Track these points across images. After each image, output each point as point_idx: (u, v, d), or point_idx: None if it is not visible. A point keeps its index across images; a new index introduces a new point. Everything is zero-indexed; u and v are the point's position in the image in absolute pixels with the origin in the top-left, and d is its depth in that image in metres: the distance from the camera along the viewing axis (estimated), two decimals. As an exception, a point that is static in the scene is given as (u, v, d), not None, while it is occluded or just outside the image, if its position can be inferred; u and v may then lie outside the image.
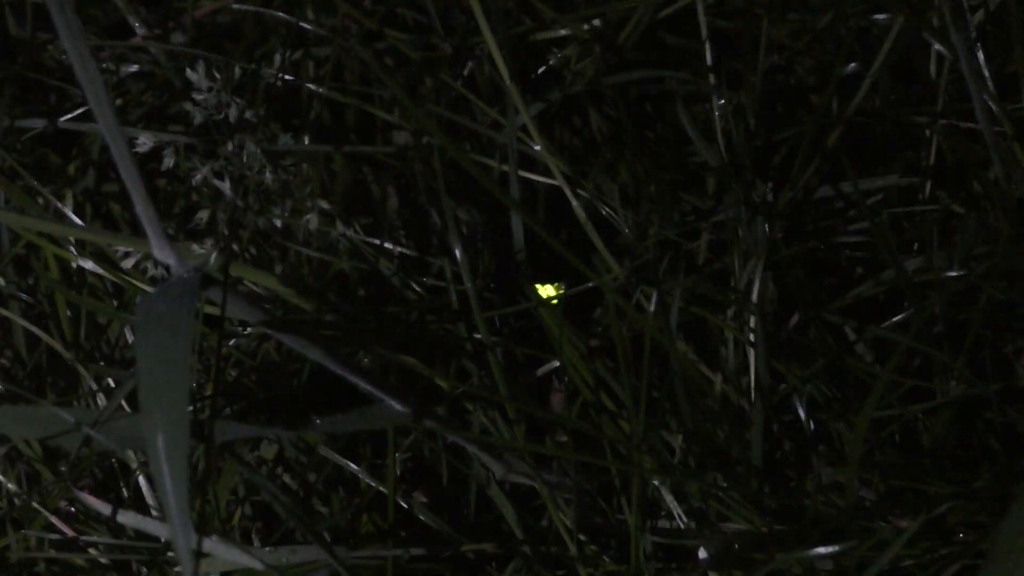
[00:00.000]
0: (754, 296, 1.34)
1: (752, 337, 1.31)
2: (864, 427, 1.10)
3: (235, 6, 1.65)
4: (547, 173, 1.49)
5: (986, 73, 1.33)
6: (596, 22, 1.53)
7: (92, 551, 1.29)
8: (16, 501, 1.35)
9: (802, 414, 1.33)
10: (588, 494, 1.37)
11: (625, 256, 1.50)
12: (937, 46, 1.43)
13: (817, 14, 1.50)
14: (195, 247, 1.16)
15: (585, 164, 1.52)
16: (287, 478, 1.41)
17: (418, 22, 1.64)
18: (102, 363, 1.48)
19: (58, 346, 1.47)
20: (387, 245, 1.51)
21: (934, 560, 1.16)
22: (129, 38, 1.68)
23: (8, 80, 1.63)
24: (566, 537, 1.25)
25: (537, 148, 1.42)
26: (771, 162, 1.52)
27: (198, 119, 1.21)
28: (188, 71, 1.21)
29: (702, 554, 1.25)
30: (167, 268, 0.90)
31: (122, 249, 1.15)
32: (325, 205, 1.28)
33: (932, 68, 1.45)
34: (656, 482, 1.27)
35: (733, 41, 1.51)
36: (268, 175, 1.21)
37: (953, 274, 1.31)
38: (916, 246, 1.45)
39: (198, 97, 1.21)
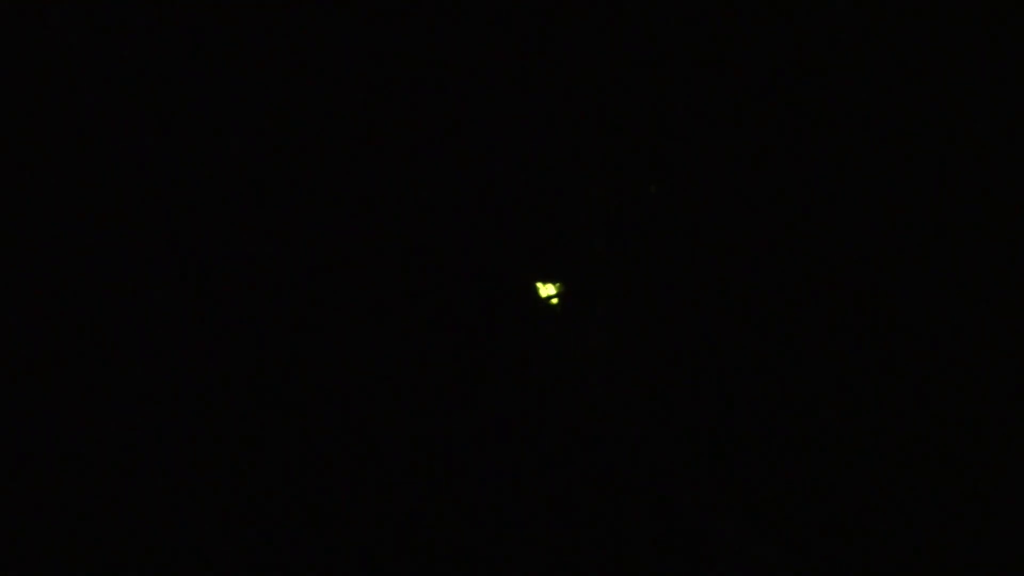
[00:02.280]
0: (754, 295, 1.34)
1: (753, 336, 1.31)
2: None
3: None
4: (548, 172, 1.49)
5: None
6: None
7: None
8: None
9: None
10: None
11: (625, 255, 1.50)
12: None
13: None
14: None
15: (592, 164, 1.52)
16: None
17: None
18: None
19: None
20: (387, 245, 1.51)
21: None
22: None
23: None
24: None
25: (543, 147, 1.42)
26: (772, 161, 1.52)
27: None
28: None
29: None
30: None
31: None
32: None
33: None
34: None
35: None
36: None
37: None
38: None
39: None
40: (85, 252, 3.11)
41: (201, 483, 3.01)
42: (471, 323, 2.91)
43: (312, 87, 3.16)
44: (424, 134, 3.10)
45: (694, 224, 2.87)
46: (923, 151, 3.03)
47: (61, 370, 3.07)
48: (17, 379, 3.05)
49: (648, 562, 2.83)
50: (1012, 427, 2.88)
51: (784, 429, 2.94)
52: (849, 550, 2.83)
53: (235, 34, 3.10)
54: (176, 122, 3.14)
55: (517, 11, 3.07)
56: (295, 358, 3.09)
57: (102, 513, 3.00)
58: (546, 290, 1.89)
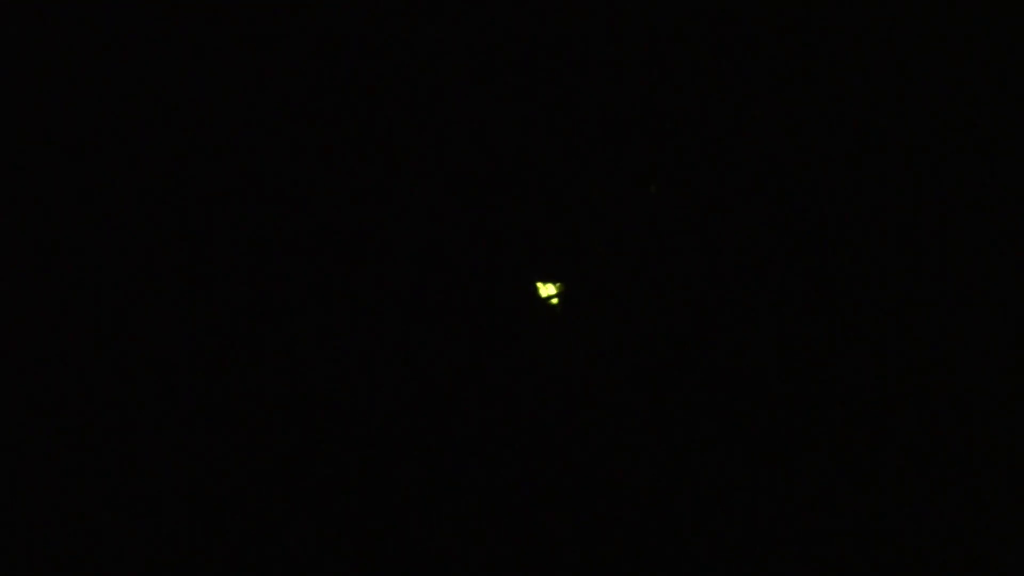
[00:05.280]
0: (755, 294, 1.34)
1: (754, 335, 1.31)
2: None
3: None
4: (548, 172, 1.49)
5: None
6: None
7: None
8: None
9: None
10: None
11: (625, 255, 1.50)
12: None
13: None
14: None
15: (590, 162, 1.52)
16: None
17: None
18: None
19: None
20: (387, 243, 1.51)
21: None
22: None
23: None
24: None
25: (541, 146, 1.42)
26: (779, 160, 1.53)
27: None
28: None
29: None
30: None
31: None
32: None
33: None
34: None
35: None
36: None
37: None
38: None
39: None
40: (85, 252, 3.12)
41: (201, 483, 3.01)
42: (471, 323, 2.92)
43: (312, 87, 3.16)
44: (424, 134, 3.11)
45: (694, 224, 2.88)
46: (923, 151, 3.03)
47: (61, 370, 3.07)
48: (16, 379, 3.06)
49: (648, 561, 2.83)
50: (1012, 427, 2.88)
51: (784, 428, 2.95)
52: (849, 550, 2.84)
53: (235, 34, 3.11)
54: (176, 122, 3.15)
55: (517, 11, 3.08)
56: (296, 358, 3.09)
57: (102, 513, 3.00)
58: (546, 290, 1.89)
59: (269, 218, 3.14)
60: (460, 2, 3.11)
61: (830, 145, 3.06)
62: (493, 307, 2.82)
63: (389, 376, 3.05)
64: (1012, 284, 2.95)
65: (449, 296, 3.00)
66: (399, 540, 2.95)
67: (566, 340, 2.31)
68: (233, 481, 3.03)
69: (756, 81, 3.06)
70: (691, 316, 2.88)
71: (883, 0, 3.00)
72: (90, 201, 3.13)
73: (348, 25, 3.16)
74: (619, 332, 2.65)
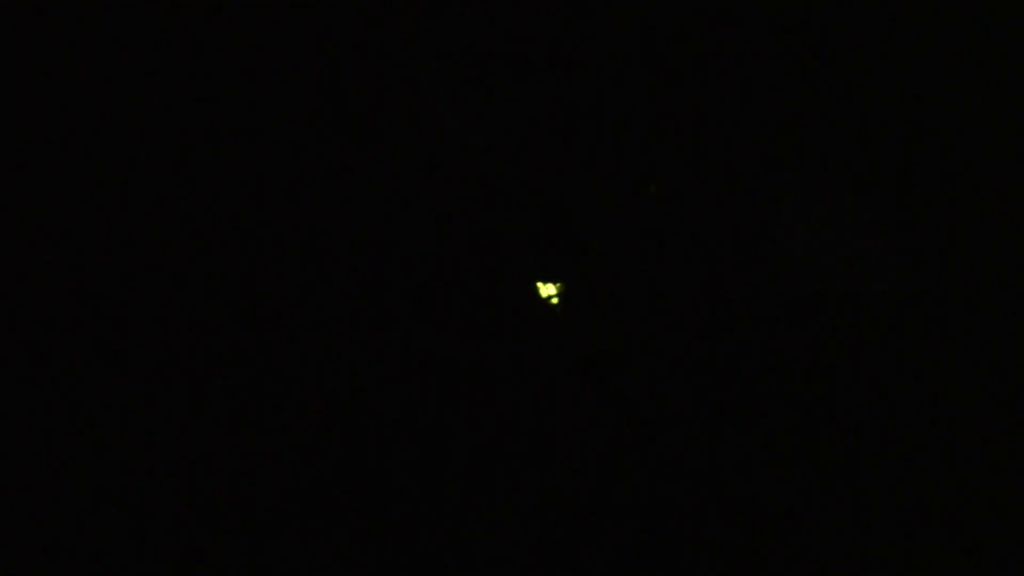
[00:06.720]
0: (755, 294, 1.34)
1: (754, 335, 1.31)
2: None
3: None
4: (548, 172, 1.49)
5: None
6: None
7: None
8: None
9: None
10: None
11: (625, 255, 1.50)
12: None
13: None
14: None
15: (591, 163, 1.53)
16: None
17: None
18: None
19: None
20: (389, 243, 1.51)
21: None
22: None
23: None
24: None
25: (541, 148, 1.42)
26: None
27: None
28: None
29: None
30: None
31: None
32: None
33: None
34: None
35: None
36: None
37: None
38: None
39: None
40: (85, 252, 3.12)
41: (200, 483, 3.01)
42: (471, 323, 2.92)
43: (312, 87, 3.16)
44: (424, 134, 3.11)
45: (695, 224, 2.88)
46: (924, 151, 3.03)
47: (61, 370, 3.07)
48: (16, 379, 3.05)
49: (648, 561, 2.83)
50: (1013, 427, 2.88)
51: (784, 428, 2.95)
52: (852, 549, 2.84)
53: (235, 34, 3.11)
54: (176, 122, 3.15)
55: (517, 11, 3.08)
56: (295, 358, 3.09)
57: (102, 513, 3.00)
58: (546, 290, 1.89)
59: (270, 218, 3.14)
60: (461, 2, 3.12)
61: (829, 145, 3.06)
62: (493, 307, 2.82)
63: (388, 376, 3.05)
64: (1012, 284, 2.95)
65: (449, 296, 3.00)
66: (399, 540, 2.95)
67: (566, 340, 2.31)
68: (233, 480, 3.03)
69: (756, 81, 3.06)
70: (691, 316, 2.88)
71: (883, 0, 3.00)
72: (90, 201, 3.13)
73: (348, 25, 3.16)
74: (619, 332, 2.65)
